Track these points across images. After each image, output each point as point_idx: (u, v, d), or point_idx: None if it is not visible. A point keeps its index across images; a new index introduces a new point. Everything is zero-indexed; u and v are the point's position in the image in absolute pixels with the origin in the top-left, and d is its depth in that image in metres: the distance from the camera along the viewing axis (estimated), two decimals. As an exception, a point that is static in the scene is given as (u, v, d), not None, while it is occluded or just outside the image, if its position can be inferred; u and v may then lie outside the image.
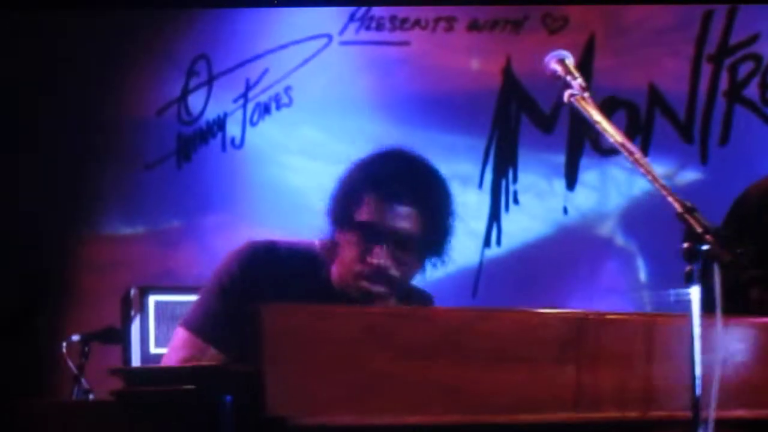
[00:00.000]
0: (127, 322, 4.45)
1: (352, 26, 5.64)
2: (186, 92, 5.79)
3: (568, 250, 5.40)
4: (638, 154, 2.60)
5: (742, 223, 3.68)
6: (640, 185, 5.45)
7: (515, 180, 5.51)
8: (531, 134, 5.49)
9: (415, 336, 2.07)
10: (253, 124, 5.75)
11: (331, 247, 2.69)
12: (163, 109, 5.80)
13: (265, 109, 5.73)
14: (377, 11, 5.63)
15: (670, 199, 2.51)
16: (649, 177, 2.57)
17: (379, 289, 2.65)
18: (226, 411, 2.03)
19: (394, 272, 2.64)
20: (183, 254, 5.64)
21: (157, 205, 5.73)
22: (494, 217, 5.50)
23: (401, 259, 2.64)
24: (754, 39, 5.36)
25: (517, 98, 5.52)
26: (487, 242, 5.47)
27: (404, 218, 2.62)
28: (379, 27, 5.63)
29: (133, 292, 4.44)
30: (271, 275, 2.68)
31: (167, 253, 5.67)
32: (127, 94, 5.79)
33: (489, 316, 2.18)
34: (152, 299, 4.44)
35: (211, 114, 5.78)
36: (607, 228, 5.44)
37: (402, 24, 5.61)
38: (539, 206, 5.49)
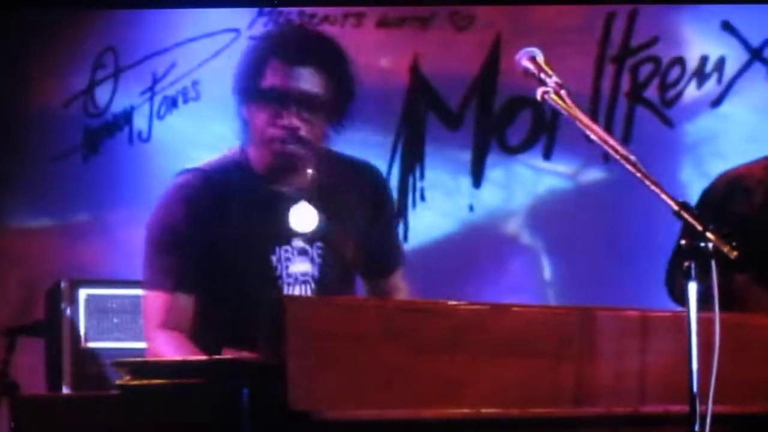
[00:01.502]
0: (57, 315, 4.40)
1: (261, 21, 5.63)
2: (93, 84, 5.74)
3: (474, 248, 5.45)
4: (620, 149, 2.65)
5: (707, 211, 3.74)
6: (546, 183, 5.51)
7: (422, 177, 5.54)
8: (438, 132, 5.52)
9: (430, 331, 2.09)
10: (160, 117, 5.72)
11: (244, 131, 2.76)
12: (70, 102, 5.75)
13: (173, 103, 5.70)
14: (285, 7, 5.63)
15: (663, 196, 2.54)
16: (637, 173, 2.62)
17: (293, 148, 2.71)
18: (244, 404, 2.02)
19: (304, 133, 2.70)
20: (92, 247, 5.60)
21: (65, 197, 5.68)
22: (401, 213, 5.53)
23: (309, 120, 2.71)
24: (653, 41, 5.43)
25: (424, 96, 5.55)
26: (394, 238, 5.51)
27: (307, 79, 2.70)
28: (288, 22, 5.63)
29: (63, 285, 4.39)
30: (211, 199, 2.73)
31: (75, 246, 5.62)
32: (33, 86, 5.72)
33: (498, 311, 2.22)
34: (83, 292, 4.40)
35: (117, 107, 5.74)
36: (513, 226, 5.50)
37: (310, 19, 5.61)
38: (446, 203, 5.52)
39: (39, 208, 5.73)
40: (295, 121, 2.68)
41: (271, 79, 2.69)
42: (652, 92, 5.45)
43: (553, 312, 2.24)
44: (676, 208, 2.45)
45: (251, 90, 2.73)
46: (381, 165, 5.78)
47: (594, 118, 5.46)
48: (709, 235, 2.32)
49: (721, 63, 5.41)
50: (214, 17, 5.64)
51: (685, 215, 2.41)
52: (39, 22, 5.67)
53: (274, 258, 2.78)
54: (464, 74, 5.52)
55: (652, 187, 2.53)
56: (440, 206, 5.52)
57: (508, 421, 2.14)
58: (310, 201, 2.82)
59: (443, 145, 5.51)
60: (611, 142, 2.64)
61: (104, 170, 5.71)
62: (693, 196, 5.40)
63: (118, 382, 2.31)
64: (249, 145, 2.80)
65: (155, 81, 5.72)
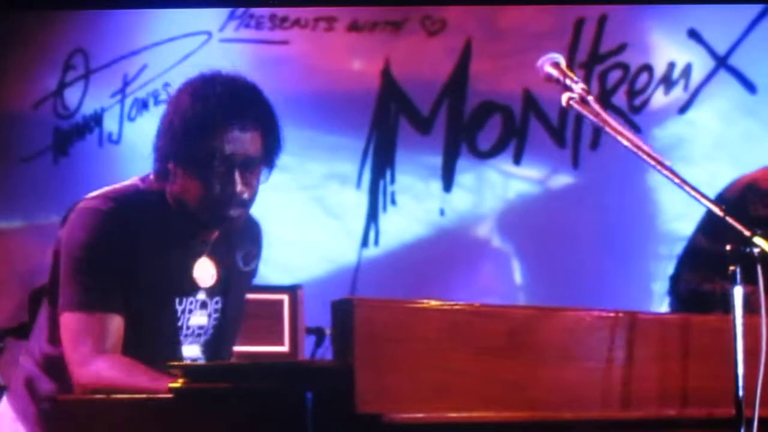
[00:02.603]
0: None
1: (232, 24, 5.63)
2: (62, 86, 5.73)
3: (445, 251, 5.47)
4: (654, 154, 2.61)
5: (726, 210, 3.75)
6: (516, 188, 5.53)
7: (393, 181, 5.55)
8: (409, 136, 5.54)
9: (487, 333, 2.09)
10: (130, 119, 5.71)
11: (165, 176, 2.71)
12: (40, 103, 5.73)
13: (143, 105, 5.70)
14: (257, 9, 5.63)
15: (705, 202, 2.49)
16: (675, 179, 2.55)
17: (236, 212, 2.71)
18: (307, 408, 1.99)
19: (246, 195, 2.70)
20: (60, 249, 5.59)
21: (34, 199, 5.66)
22: (372, 217, 5.54)
23: (250, 181, 2.71)
24: (621, 48, 5.47)
25: (395, 99, 5.56)
26: (365, 242, 5.51)
27: (247, 141, 2.68)
28: (259, 25, 5.64)
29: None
30: (129, 232, 2.68)
31: (44, 247, 5.58)
32: (2, 87, 5.71)
33: (550, 315, 2.22)
34: None
35: (88, 109, 5.73)
36: (484, 230, 5.52)
37: (282, 23, 5.62)
38: (417, 207, 5.54)
39: (8, 210, 5.72)
40: (239, 187, 2.67)
41: (211, 146, 2.65)
42: (620, 98, 5.49)
43: (600, 316, 2.23)
44: (721, 213, 2.43)
45: (187, 153, 2.67)
46: (352, 169, 5.87)
47: (563, 123, 5.49)
48: (757, 240, 2.33)
49: (687, 70, 5.46)
50: (186, 19, 5.64)
51: (732, 221, 2.41)
52: (8, 24, 5.66)
53: (179, 308, 2.77)
54: (435, 78, 5.54)
55: (692, 193, 2.51)
56: (411, 210, 5.54)
57: (562, 424, 2.15)
58: (217, 254, 2.82)
59: (414, 149, 5.53)
60: (644, 147, 2.61)
61: (74, 172, 5.69)
62: (661, 200, 5.49)
63: (170, 385, 2.27)
64: (170, 189, 2.73)
65: (126, 83, 5.71)
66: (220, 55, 5.58)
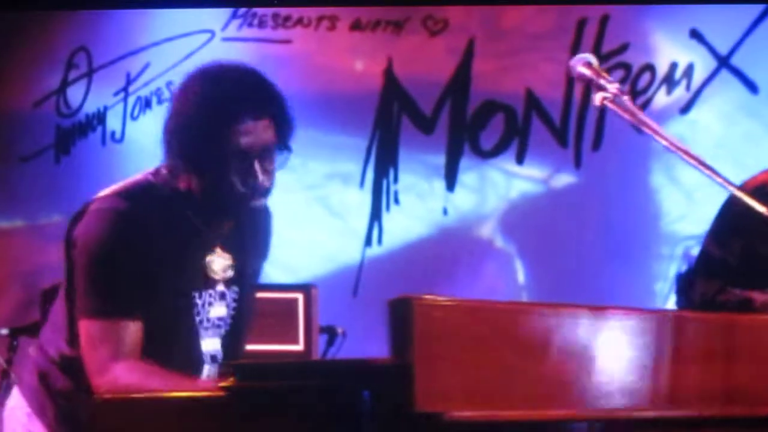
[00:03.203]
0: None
1: (235, 23, 5.64)
2: (65, 85, 5.73)
3: (448, 251, 5.47)
4: (694, 154, 2.59)
5: (735, 218, 3.73)
6: (518, 188, 5.54)
7: (396, 180, 5.56)
8: (412, 135, 5.54)
9: (541, 332, 2.09)
10: (133, 118, 5.72)
11: (179, 169, 2.67)
12: (41, 102, 5.74)
13: (146, 104, 5.70)
14: (260, 8, 5.64)
15: (752, 203, 2.49)
16: (717, 178, 2.54)
17: (260, 203, 2.70)
18: (364, 407, 1.99)
19: (267, 183, 2.69)
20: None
21: (36, 198, 5.67)
22: (375, 216, 5.55)
23: (269, 169, 2.69)
24: (624, 48, 5.47)
25: (398, 99, 5.57)
26: (368, 241, 5.52)
27: (265, 131, 2.65)
28: (262, 24, 5.64)
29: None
30: (144, 229, 2.64)
31: (46, 247, 5.60)
32: (4, 86, 5.71)
33: (599, 314, 2.21)
34: None
35: (90, 107, 5.73)
36: (487, 229, 5.53)
37: (284, 22, 5.63)
38: (420, 207, 5.55)
39: (9, 209, 5.72)
40: (261, 176, 2.64)
41: (227, 140, 2.61)
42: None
43: (647, 315, 2.23)
44: None
45: (202, 149, 2.62)
46: (355, 168, 5.87)
47: (565, 123, 5.50)
48: None
49: (689, 70, 5.46)
50: (189, 18, 5.65)
51: None
52: (10, 23, 5.66)
53: (199, 302, 2.75)
54: (438, 78, 5.54)
55: (738, 193, 2.50)
56: (414, 210, 5.55)
57: (614, 423, 2.15)
58: (230, 245, 2.80)
59: (417, 148, 5.54)
60: (683, 147, 2.59)
61: (77, 171, 5.70)
62: (664, 200, 5.49)
63: (222, 384, 2.22)
64: (183, 183, 2.69)
65: (129, 81, 5.72)
66: (223, 53, 5.55)
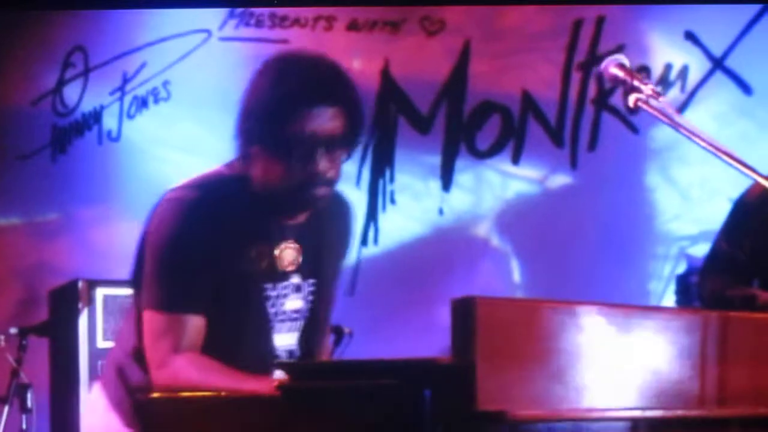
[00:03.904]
0: (70, 315, 4.35)
1: (232, 22, 5.65)
2: (62, 84, 5.74)
3: (444, 251, 5.47)
4: (733, 153, 2.56)
5: (746, 216, 3.74)
6: (514, 188, 5.55)
7: (392, 180, 5.56)
8: (408, 135, 5.55)
9: (596, 331, 2.10)
10: (130, 117, 5.73)
11: (249, 160, 2.65)
12: (38, 100, 5.75)
13: (143, 103, 5.71)
14: (257, 8, 5.64)
15: None
16: (758, 177, 2.52)
17: (321, 191, 2.67)
18: (426, 406, 1.98)
19: (331, 174, 2.66)
20: (59, 246, 5.60)
21: (33, 196, 5.68)
22: (371, 216, 5.56)
23: (334, 159, 2.65)
24: (619, 49, 5.44)
25: (395, 99, 5.57)
26: (364, 241, 5.52)
27: (333, 119, 2.61)
28: (259, 24, 5.65)
29: (80, 285, 4.37)
30: (214, 221, 2.62)
31: (43, 245, 5.62)
32: (0, 84, 5.72)
33: (649, 314, 2.25)
34: (100, 292, 4.38)
35: (87, 106, 5.74)
36: (483, 229, 5.54)
37: (281, 22, 5.63)
38: (416, 206, 5.56)
39: (6, 207, 5.73)
40: (323, 166, 2.61)
41: (294, 126, 2.58)
42: (617, 99, 5.48)
43: (694, 315, 2.26)
44: None
45: (270, 134, 2.60)
46: (351, 168, 5.87)
47: (561, 124, 5.51)
48: None
49: (684, 71, 5.47)
50: (185, 17, 5.66)
51: None
52: (7, 22, 5.67)
53: (273, 294, 2.73)
54: (434, 78, 5.55)
55: None
56: (410, 209, 5.55)
57: (664, 422, 2.17)
58: (304, 237, 2.76)
59: (413, 148, 5.54)
60: (722, 148, 2.56)
61: (73, 169, 5.71)
62: (659, 200, 5.51)
63: (277, 384, 2.21)
64: (254, 173, 2.67)
65: (125, 81, 5.73)
66: (220, 53, 5.60)
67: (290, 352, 2.76)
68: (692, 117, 5.48)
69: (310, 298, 2.80)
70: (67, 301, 4.39)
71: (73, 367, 4.31)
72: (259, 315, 2.71)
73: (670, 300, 5.19)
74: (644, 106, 2.57)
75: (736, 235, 3.71)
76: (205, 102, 5.55)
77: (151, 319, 2.63)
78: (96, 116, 5.76)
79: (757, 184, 3.86)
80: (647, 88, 2.57)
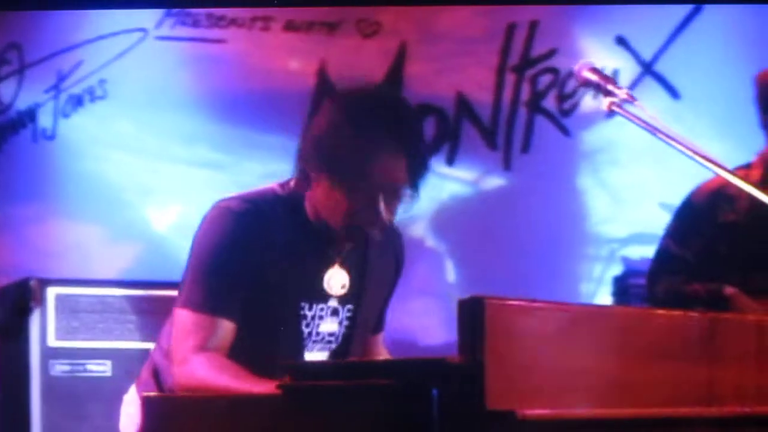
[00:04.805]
0: (25, 314, 4.34)
1: (168, 21, 5.63)
2: (-4, 80, 5.71)
3: (379, 250, 5.51)
4: (710, 156, 2.60)
5: (694, 218, 3.77)
6: (449, 189, 5.59)
7: (328, 180, 5.59)
8: (344, 136, 5.58)
9: (596, 332, 2.13)
10: (65, 115, 5.70)
11: (305, 182, 2.70)
12: (-28, 97, 5.72)
13: (78, 101, 5.68)
14: (193, 8, 5.63)
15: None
16: (738, 181, 2.55)
17: (375, 236, 2.72)
18: (433, 406, 1.98)
19: (388, 221, 2.71)
20: (-4, 244, 5.57)
21: (-32, 194, 5.64)
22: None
23: (393, 207, 2.71)
24: (552, 53, 5.54)
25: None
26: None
27: (399, 171, 2.66)
28: (195, 24, 5.64)
29: (33, 284, 4.35)
30: (260, 235, 2.67)
31: (-22, 244, 5.58)
32: (-66, 80, 5.68)
33: (649, 316, 2.29)
34: (52, 292, 4.36)
35: (22, 104, 5.70)
36: (418, 229, 5.56)
37: (218, 21, 5.63)
38: (351, 206, 5.58)
39: (-60, 204, 5.69)
40: (386, 212, 2.66)
41: (358, 165, 2.61)
42: (550, 102, 5.55)
43: (689, 317, 2.29)
44: None
45: (331, 165, 2.64)
46: (288, 169, 5.84)
47: (494, 126, 5.56)
48: None
49: (615, 76, 5.54)
50: (122, 16, 5.63)
51: None
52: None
53: (309, 314, 2.76)
54: (370, 80, 5.50)
55: (756, 194, 2.51)
56: (346, 209, 5.57)
57: (663, 421, 2.20)
58: (350, 263, 2.79)
59: (349, 149, 5.56)
60: (700, 151, 2.61)
61: (8, 167, 5.67)
62: (590, 202, 5.58)
63: (279, 383, 2.21)
64: (307, 197, 2.73)
65: (61, 79, 5.70)
66: (157, 52, 5.59)
67: None
68: (624, 120, 5.53)
69: (346, 323, 2.83)
70: (18, 300, 4.38)
71: (24, 367, 4.30)
72: (292, 333, 2.74)
73: (603, 301, 5.25)
74: (618, 110, 2.61)
75: (685, 238, 3.75)
76: (142, 101, 5.55)
77: (183, 316, 2.68)
78: (31, 114, 5.72)
79: (703, 187, 3.93)
80: (621, 92, 2.63)
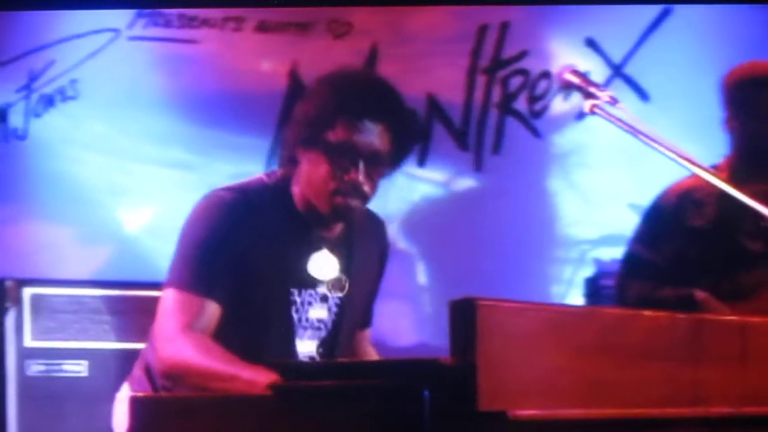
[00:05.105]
0: (0, 314, 4.33)
1: (141, 22, 5.62)
2: (-34, 80, 5.68)
3: (350, 252, 5.51)
4: (695, 160, 2.61)
5: (663, 223, 3.79)
6: (420, 190, 5.61)
7: (299, 181, 5.59)
8: (315, 137, 5.58)
9: (583, 333, 2.15)
10: (37, 115, 5.68)
11: (292, 170, 2.77)
12: (-58, 97, 5.69)
13: (50, 101, 5.66)
14: (166, 8, 5.63)
15: (759, 208, 2.51)
16: (722, 184, 2.56)
17: (354, 203, 2.75)
18: (425, 406, 2.00)
19: (366, 188, 2.74)
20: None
21: (-62, 194, 5.61)
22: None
23: (372, 175, 2.74)
24: (522, 55, 5.57)
25: (302, 101, 5.61)
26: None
27: (376, 135, 2.71)
28: (167, 24, 5.63)
29: (9, 284, 4.33)
30: (248, 222, 2.72)
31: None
32: None
33: (635, 316, 2.30)
34: (27, 292, 4.36)
35: (-8, 103, 5.69)
36: (389, 231, 5.57)
37: (190, 22, 5.63)
38: (323, 208, 5.58)
39: None
40: (360, 177, 2.70)
41: (341, 134, 2.68)
42: (521, 103, 5.58)
43: (675, 318, 2.32)
44: None
45: (316, 140, 2.71)
46: (258, 169, 5.87)
47: (466, 127, 5.58)
48: None
49: (585, 77, 5.57)
50: (94, 17, 5.62)
51: None
52: None
53: (299, 300, 2.80)
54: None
55: (742, 197, 2.53)
56: (317, 210, 5.57)
57: (650, 422, 2.22)
58: (337, 250, 2.84)
59: (321, 150, 5.57)
60: (683, 154, 2.62)
61: (-21, 167, 5.65)
62: (561, 204, 5.61)
63: (270, 384, 2.22)
64: (294, 182, 2.78)
65: (32, 79, 5.67)
66: (129, 52, 5.58)
67: (311, 359, 2.80)
68: (594, 122, 5.53)
69: (335, 310, 2.86)
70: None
71: (-1, 367, 4.31)
72: (282, 318, 2.79)
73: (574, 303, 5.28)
74: (600, 112, 2.63)
75: (654, 242, 3.77)
76: (114, 101, 5.54)
77: (170, 296, 2.72)
78: (2, 114, 5.69)
79: (670, 190, 3.95)
80: (604, 95, 2.65)
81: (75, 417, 4.31)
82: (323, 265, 2.82)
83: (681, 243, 3.72)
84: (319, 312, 2.84)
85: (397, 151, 2.78)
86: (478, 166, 5.57)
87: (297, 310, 2.80)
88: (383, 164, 2.77)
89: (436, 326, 5.05)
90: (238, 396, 2.38)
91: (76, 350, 4.40)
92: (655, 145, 2.62)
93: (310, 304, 2.83)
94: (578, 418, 2.12)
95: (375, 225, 2.97)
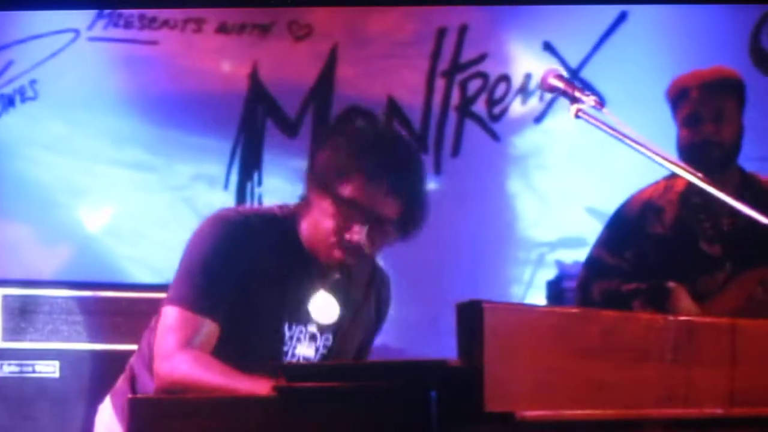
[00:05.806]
0: None
1: (101, 23, 5.61)
2: (-75, 80, 5.65)
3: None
4: (679, 162, 2.61)
5: (625, 229, 3.82)
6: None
7: (260, 183, 5.59)
8: (276, 139, 5.58)
9: (585, 335, 2.16)
10: (-4, 115, 5.67)
11: (304, 206, 2.77)
12: None
13: (9, 102, 5.65)
14: (126, 9, 5.62)
15: (745, 210, 2.52)
16: (707, 185, 2.57)
17: (350, 261, 2.75)
18: (431, 407, 2.00)
19: (367, 249, 2.73)
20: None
21: None
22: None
23: (375, 239, 2.73)
24: (482, 58, 5.60)
25: (262, 102, 5.60)
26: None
27: (388, 204, 2.69)
28: (128, 25, 5.63)
29: None
30: (251, 248, 2.71)
31: None
32: None
33: (632, 318, 2.34)
34: (0, 292, 4.36)
35: (-48, 104, 5.67)
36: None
37: (150, 23, 5.62)
38: (284, 209, 5.59)
39: None
40: (363, 240, 2.69)
41: (352, 191, 2.67)
42: (480, 107, 5.61)
43: (667, 320, 2.32)
44: (766, 222, 2.47)
45: (329, 187, 2.69)
46: (219, 170, 5.89)
47: (425, 130, 5.61)
48: None
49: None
50: (54, 17, 5.60)
51: None
52: None
53: (288, 334, 2.79)
54: (302, 82, 5.59)
55: (723, 197, 2.53)
56: (278, 212, 5.58)
57: (647, 422, 2.24)
58: (335, 292, 2.84)
59: (281, 152, 5.56)
60: (669, 157, 2.63)
61: (-62, 167, 5.63)
62: (520, 206, 5.65)
63: (274, 385, 2.21)
64: (303, 220, 2.78)
65: (-9, 79, 5.67)
66: (89, 53, 5.57)
67: None
68: (552, 125, 5.63)
69: (323, 351, 2.86)
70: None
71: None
72: (271, 351, 2.77)
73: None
74: (584, 117, 2.64)
75: (619, 249, 3.81)
76: (74, 102, 5.53)
77: (170, 313, 2.70)
78: (-39, 114, 5.68)
79: (633, 199, 3.99)
80: (589, 99, 2.66)
81: (46, 417, 4.31)
82: (319, 305, 2.84)
83: (643, 249, 3.77)
84: (306, 350, 2.85)
85: (405, 221, 2.78)
86: (437, 169, 5.59)
87: (284, 344, 2.81)
88: (389, 230, 2.77)
89: (397, 328, 5.08)
90: (240, 398, 2.38)
91: (48, 351, 4.40)
92: (641, 149, 2.64)
93: (299, 340, 2.84)
94: (584, 419, 2.15)
95: (379, 279, 3.00)
